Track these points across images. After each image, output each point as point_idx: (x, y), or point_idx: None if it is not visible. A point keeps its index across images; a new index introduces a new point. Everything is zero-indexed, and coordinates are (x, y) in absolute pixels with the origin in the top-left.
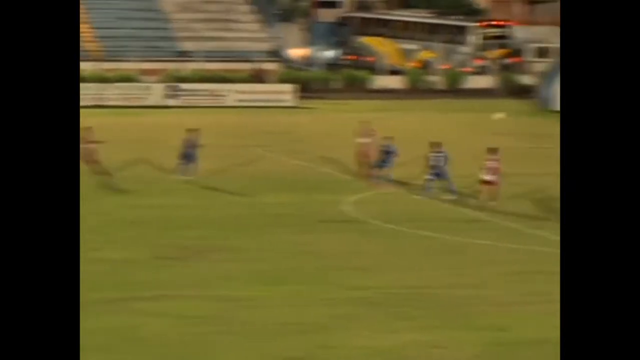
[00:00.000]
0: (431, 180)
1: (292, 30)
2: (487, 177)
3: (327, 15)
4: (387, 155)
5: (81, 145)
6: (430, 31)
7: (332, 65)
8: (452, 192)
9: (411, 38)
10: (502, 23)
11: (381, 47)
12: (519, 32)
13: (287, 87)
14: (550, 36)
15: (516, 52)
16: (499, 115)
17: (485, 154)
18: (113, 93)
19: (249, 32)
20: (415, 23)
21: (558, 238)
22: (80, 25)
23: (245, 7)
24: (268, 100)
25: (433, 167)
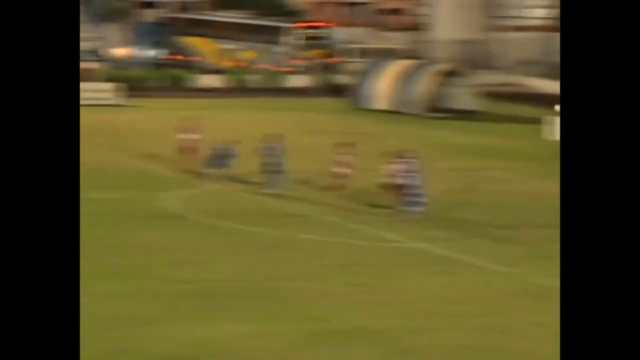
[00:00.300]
0: (267, 174)
1: (114, 30)
2: (339, 170)
3: (149, 15)
4: (224, 157)
5: None
6: (249, 31)
7: (156, 64)
8: (283, 186)
9: (232, 38)
10: (321, 24)
11: (202, 47)
12: (338, 33)
13: (110, 85)
14: (366, 37)
15: (334, 53)
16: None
17: (336, 148)
18: None
19: None
20: (235, 24)
21: (377, 232)
22: None
23: None
24: (91, 99)
25: (269, 159)
